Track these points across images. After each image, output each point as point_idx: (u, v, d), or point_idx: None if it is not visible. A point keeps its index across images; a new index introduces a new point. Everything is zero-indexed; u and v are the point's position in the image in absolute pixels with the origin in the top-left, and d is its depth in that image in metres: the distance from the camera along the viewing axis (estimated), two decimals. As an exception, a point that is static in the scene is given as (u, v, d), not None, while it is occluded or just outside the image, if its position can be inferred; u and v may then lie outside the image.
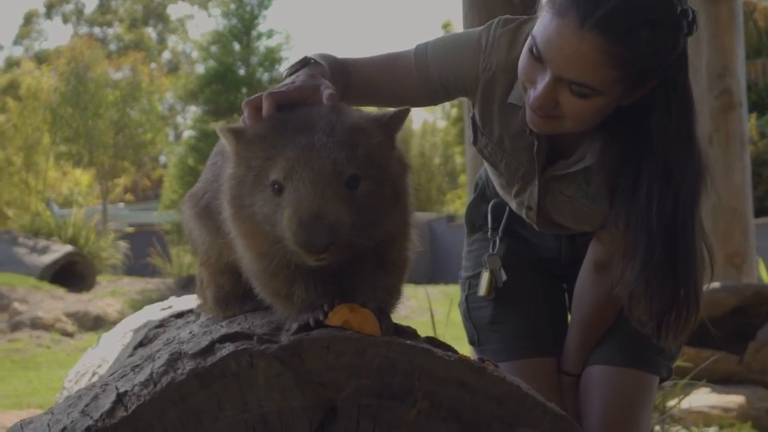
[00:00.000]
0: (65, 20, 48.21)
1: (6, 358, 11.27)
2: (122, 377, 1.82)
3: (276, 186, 1.78)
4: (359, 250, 1.82)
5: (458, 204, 27.43)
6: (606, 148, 2.36)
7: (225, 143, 1.91)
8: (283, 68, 19.83)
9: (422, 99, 2.57)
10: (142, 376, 1.72)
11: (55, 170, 26.73)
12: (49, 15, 48.24)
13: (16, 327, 12.71)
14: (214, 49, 19.81)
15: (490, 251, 2.84)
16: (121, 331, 3.57)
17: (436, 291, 15.00)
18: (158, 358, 1.80)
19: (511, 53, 2.44)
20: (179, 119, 41.50)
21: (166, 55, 47.74)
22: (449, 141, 31.00)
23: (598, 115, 2.28)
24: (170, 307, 3.53)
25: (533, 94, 2.26)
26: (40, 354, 11.59)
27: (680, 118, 2.27)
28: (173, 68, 40.79)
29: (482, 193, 2.97)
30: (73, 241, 17.57)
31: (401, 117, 1.93)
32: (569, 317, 2.86)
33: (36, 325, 12.78)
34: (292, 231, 1.73)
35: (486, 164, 2.75)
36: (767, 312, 6.35)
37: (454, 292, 12.18)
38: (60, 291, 14.90)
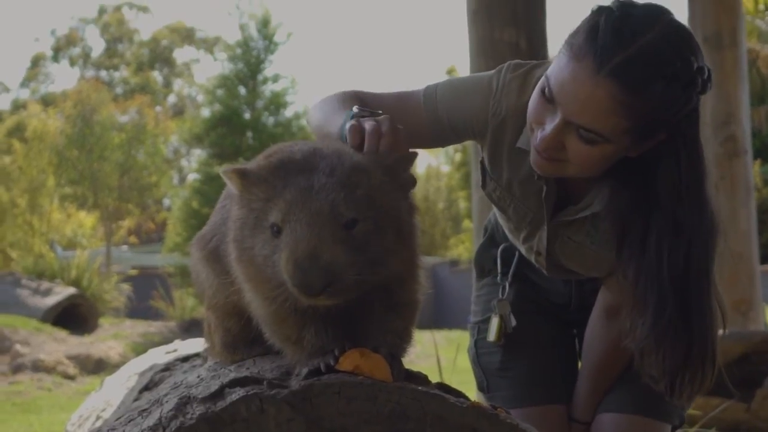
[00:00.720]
0: (72, 63, 48.54)
1: (7, 400, 11.14)
2: (129, 421, 1.80)
3: (275, 228, 1.77)
4: (364, 290, 1.80)
5: (462, 249, 27.39)
6: (614, 196, 2.35)
7: (229, 184, 1.90)
8: (288, 113, 20.04)
9: (431, 140, 2.56)
10: (150, 421, 1.70)
11: (59, 212, 26.74)
12: (56, 58, 48.58)
13: (17, 369, 12.60)
14: (219, 92, 19.87)
15: (500, 296, 2.83)
16: (126, 374, 3.56)
17: (439, 336, 14.90)
18: (166, 402, 1.78)
19: (521, 98, 2.43)
20: (184, 162, 41.64)
21: (172, 98, 48.02)
22: (453, 185, 31.02)
23: (603, 163, 2.27)
24: (175, 350, 3.53)
25: (540, 134, 2.25)
26: (41, 397, 11.47)
27: (689, 174, 2.25)
28: (178, 112, 40.99)
29: (491, 238, 2.96)
30: (76, 283, 17.48)
31: (408, 160, 1.91)
32: (579, 363, 2.83)
33: (37, 367, 12.66)
34: (288, 273, 1.72)
35: (495, 208, 2.74)
36: (774, 360, 6.29)
37: (458, 337, 12.15)
38: (62, 333, 14.80)
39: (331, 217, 1.73)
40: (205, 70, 53.39)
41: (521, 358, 2.80)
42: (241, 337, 2.20)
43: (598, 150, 2.20)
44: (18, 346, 13.28)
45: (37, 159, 26.38)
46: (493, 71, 2.53)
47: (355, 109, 2.19)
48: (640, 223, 2.28)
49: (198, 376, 2.12)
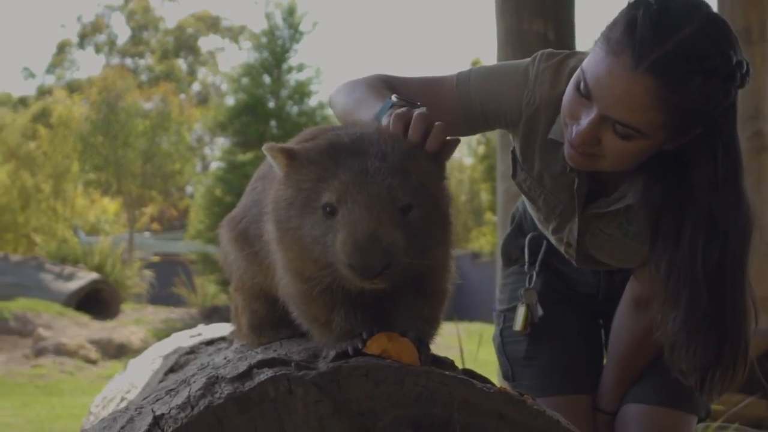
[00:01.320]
0: (98, 50, 48.70)
1: (29, 383, 11.27)
2: (157, 400, 1.80)
3: (328, 209, 1.75)
4: (405, 277, 1.80)
5: (483, 242, 27.36)
6: (648, 189, 2.32)
7: (273, 163, 1.88)
8: (312, 102, 20.03)
9: (462, 127, 2.53)
10: (178, 400, 1.70)
11: (83, 198, 26.88)
12: (82, 45, 48.75)
13: (40, 353, 12.72)
14: (244, 81, 19.86)
15: (527, 285, 2.82)
16: (150, 357, 3.57)
17: (461, 328, 14.87)
18: (194, 382, 1.78)
19: (555, 89, 2.41)
20: (207, 150, 41.71)
21: (196, 86, 48.10)
22: (476, 178, 30.95)
23: (638, 157, 2.24)
24: (199, 334, 3.54)
25: (576, 129, 2.23)
26: (63, 380, 11.58)
27: (726, 168, 2.22)
28: (203, 100, 41.06)
29: (519, 226, 2.94)
30: (98, 268, 17.56)
31: (452, 146, 1.92)
32: (605, 354, 2.82)
33: (60, 351, 12.77)
34: (346, 253, 1.70)
35: (524, 198, 2.72)
36: (800, 357, 6.24)
37: (479, 329, 12.14)
38: (84, 318, 14.91)
39: (389, 200, 1.73)
40: (229, 59, 53.41)
41: (547, 347, 2.80)
42: (267, 320, 2.20)
43: (634, 144, 2.18)
44: (41, 330, 13.40)
45: (62, 145, 26.53)
46: (527, 60, 2.51)
47: (394, 98, 2.18)
48: (674, 216, 2.26)
49: (225, 358, 2.13)
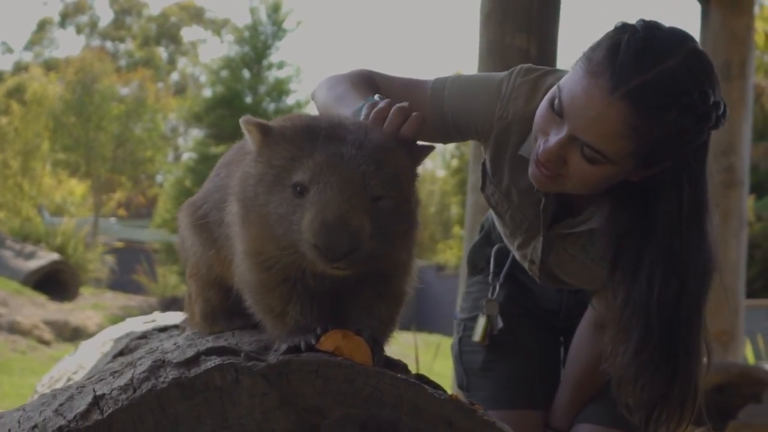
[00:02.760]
0: (79, 31, 48.36)
1: (-21, 360, 11.13)
2: (100, 380, 1.75)
3: (298, 188, 1.73)
4: (366, 273, 1.78)
5: (449, 254, 27.35)
6: (613, 215, 2.27)
7: (248, 137, 1.85)
8: (290, 100, 19.98)
9: (433, 134, 2.49)
10: (121, 381, 1.65)
11: (50, 178, 26.64)
12: (63, 24, 48.39)
13: (-7, 329, 12.56)
14: (223, 74, 19.83)
15: (489, 296, 2.78)
16: (101, 340, 3.51)
17: (419, 339, 14.85)
18: (140, 364, 1.73)
19: (529, 105, 2.36)
20: (180, 141, 41.51)
21: (175, 76, 47.88)
22: (447, 191, 30.98)
23: (602, 183, 2.21)
24: (154, 321, 3.47)
25: (543, 146, 2.19)
26: (15, 359, 11.44)
27: (690, 208, 2.18)
28: (180, 90, 40.87)
29: (487, 236, 2.91)
30: (60, 249, 17.44)
31: (426, 150, 1.93)
32: (562, 371, 2.80)
33: (13, 329, 12.63)
34: (313, 232, 1.67)
35: (492, 212, 2.69)
36: (750, 393, 6.26)
37: (437, 341, 12.11)
38: (41, 298, 14.77)
39: (362, 186, 1.71)
40: (210, 51, 53.28)
41: (504, 360, 2.76)
42: (221, 309, 2.16)
43: (599, 170, 2.15)
44: (-5, 307, 13.22)
45: (34, 122, 26.24)
46: (504, 73, 2.47)
47: (376, 97, 2.17)
48: (635, 247, 2.22)
49: (175, 344, 2.08)
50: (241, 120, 1.86)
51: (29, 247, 16.71)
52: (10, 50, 54.02)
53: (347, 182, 1.70)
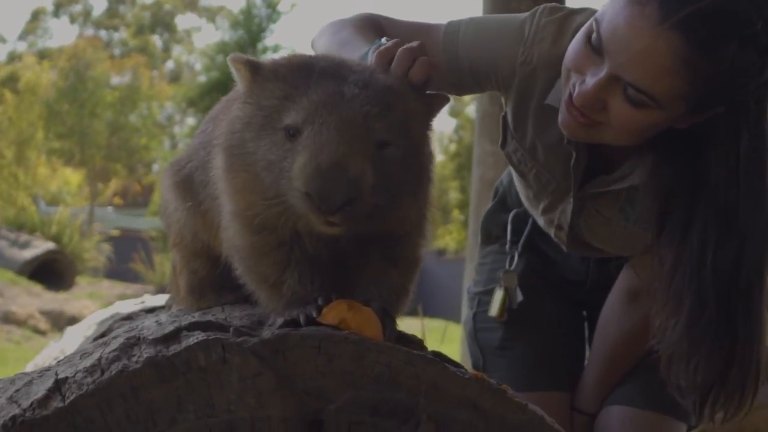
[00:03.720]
0: (72, 20, 47.99)
1: (-27, 350, 10.95)
2: (66, 363, 1.51)
3: (291, 131, 1.50)
4: (368, 232, 1.55)
5: (449, 239, 27.13)
6: (657, 170, 1.99)
7: (236, 77, 1.64)
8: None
9: (448, 85, 2.22)
10: (88, 362, 1.40)
11: (45, 167, 26.41)
12: (56, 13, 48.02)
13: (-13, 319, 12.38)
14: (219, 58, 19.62)
15: (507, 267, 2.54)
16: (87, 324, 3.38)
17: (420, 325, 14.68)
18: (112, 343, 1.48)
19: (556, 47, 2.10)
20: (176, 129, 41.24)
21: (170, 65, 47.56)
22: (446, 176, 30.71)
23: (647, 131, 1.93)
24: (142, 302, 3.31)
25: (579, 89, 1.90)
26: (9, 349, 11.25)
27: (749, 158, 1.88)
28: (175, 78, 40.60)
29: (502, 201, 2.65)
30: (56, 239, 17.27)
31: (441, 101, 1.70)
32: (588, 349, 2.58)
33: (8, 319, 12.47)
34: (304, 178, 1.44)
35: (512, 172, 2.42)
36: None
37: (441, 327, 11.83)
38: (37, 288, 14.59)
39: (364, 128, 1.48)
40: (205, 39, 53.03)
41: (524, 337, 2.52)
42: (209, 281, 1.94)
43: (644, 115, 1.86)
44: (-10, 296, 13.05)
45: (28, 111, 26.02)
46: (526, 13, 2.19)
47: (384, 40, 1.91)
48: (683, 207, 1.94)
49: (156, 321, 1.82)
50: (228, 58, 1.65)
51: (24, 237, 16.57)
52: (3, 40, 53.71)
53: (347, 123, 1.47)
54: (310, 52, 2.16)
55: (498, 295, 2.50)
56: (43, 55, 36.83)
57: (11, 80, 30.00)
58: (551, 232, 2.36)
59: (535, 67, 2.14)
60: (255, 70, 1.59)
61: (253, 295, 1.68)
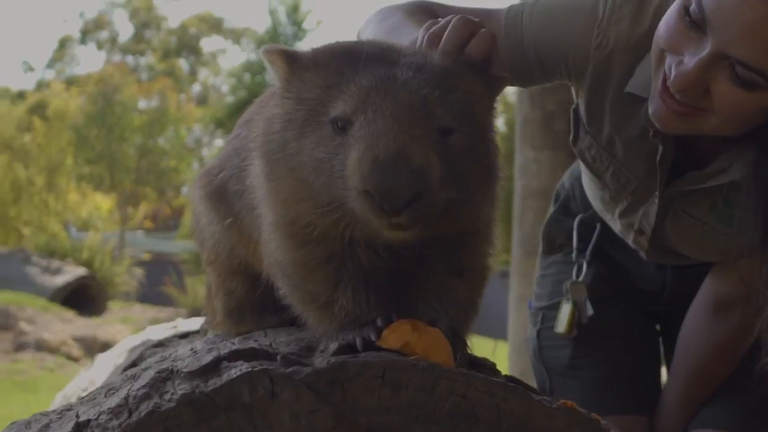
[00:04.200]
0: (99, 47, 48.44)
1: (7, 379, 10.89)
2: (90, 401, 1.31)
3: (339, 123, 1.30)
4: (435, 237, 1.35)
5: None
6: (763, 162, 1.76)
7: (271, 70, 1.44)
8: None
9: (512, 76, 1.98)
10: (114, 401, 1.20)
11: (75, 192, 26.49)
12: (83, 40, 48.47)
13: (20, 348, 12.34)
14: (245, 78, 19.64)
15: (574, 278, 2.32)
16: (117, 351, 3.18)
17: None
18: (142, 376, 1.28)
19: (636, 27, 1.88)
20: (205, 151, 41.42)
21: (196, 87, 47.81)
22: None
23: (754, 117, 1.70)
24: (175, 327, 3.13)
25: (676, 71, 1.67)
26: (42, 377, 11.17)
27: None
28: (202, 100, 40.75)
29: (565, 206, 2.43)
30: (87, 264, 17.23)
31: (503, 80, 1.49)
32: (664, 365, 2.37)
33: (41, 347, 12.40)
34: (362, 173, 1.23)
35: (583, 172, 2.19)
36: None
37: (486, 345, 11.52)
38: (69, 314, 14.54)
39: (424, 114, 1.28)
40: (231, 61, 53.41)
41: (595, 355, 2.30)
42: (248, 302, 1.74)
43: (756, 98, 1.64)
44: (23, 324, 13.02)
45: (57, 138, 26.18)
46: None
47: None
48: None
49: (191, 349, 1.62)
50: (261, 50, 1.45)
51: (55, 263, 16.56)
52: (31, 69, 54.25)
53: (404, 108, 1.27)
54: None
55: (565, 310, 2.28)
56: (71, 82, 37.16)
57: (40, 108, 30.21)
58: (629, 238, 2.13)
59: (611, 50, 1.92)
60: (292, 60, 1.41)
61: (300, 317, 1.48)
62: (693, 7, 1.63)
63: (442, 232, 1.36)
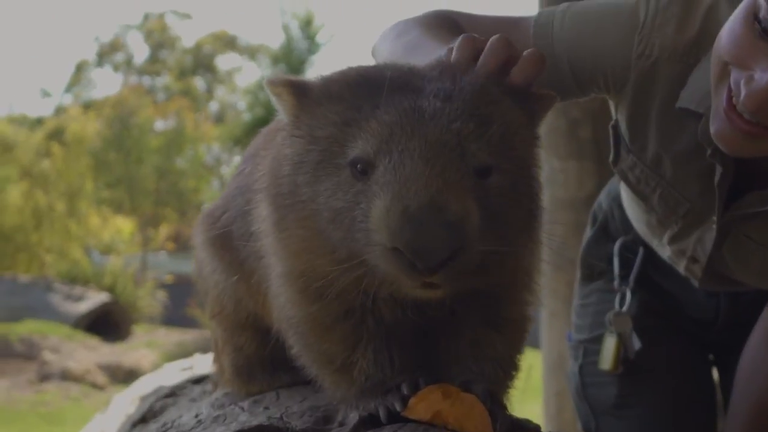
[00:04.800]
0: (116, 69, 48.78)
1: (31, 411, 10.84)
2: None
3: (359, 165, 1.14)
4: (471, 291, 1.17)
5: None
6: None
7: (278, 105, 1.27)
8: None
9: None
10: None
11: (96, 217, 26.55)
12: (99, 63, 48.83)
13: (44, 378, 12.33)
14: (261, 95, 19.65)
15: (617, 308, 2.12)
16: (132, 394, 3.14)
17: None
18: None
19: (683, 33, 1.70)
20: (224, 169, 41.54)
21: (213, 105, 48.01)
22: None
23: None
24: (191, 367, 3.05)
25: (749, 89, 1.47)
26: (68, 408, 11.13)
27: None
28: (219, 118, 40.90)
29: (603, 228, 2.23)
30: (110, 289, 17.18)
31: (549, 101, 1.29)
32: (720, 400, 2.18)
33: (65, 376, 12.39)
34: (390, 228, 1.06)
35: (624, 192, 2.00)
36: None
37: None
38: (93, 341, 14.51)
39: (458, 153, 1.11)
40: (247, 78, 53.68)
41: (645, 392, 2.13)
42: (258, 360, 1.59)
43: None
44: (47, 354, 12.99)
45: (76, 163, 26.24)
46: None
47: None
48: None
49: (196, 416, 1.45)
50: (265, 82, 1.28)
51: (78, 289, 16.56)
52: (48, 94, 54.54)
53: (435, 147, 1.10)
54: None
55: (610, 343, 2.09)
56: (88, 106, 37.36)
57: (58, 133, 30.33)
58: (680, 266, 1.94)
59: (656, 59, 1.73)
60: (301, 92, 1.24)
61: (315, 378, 1.31)
62: (764, 13, 1.44)
63: (479, 286, 1.18)
